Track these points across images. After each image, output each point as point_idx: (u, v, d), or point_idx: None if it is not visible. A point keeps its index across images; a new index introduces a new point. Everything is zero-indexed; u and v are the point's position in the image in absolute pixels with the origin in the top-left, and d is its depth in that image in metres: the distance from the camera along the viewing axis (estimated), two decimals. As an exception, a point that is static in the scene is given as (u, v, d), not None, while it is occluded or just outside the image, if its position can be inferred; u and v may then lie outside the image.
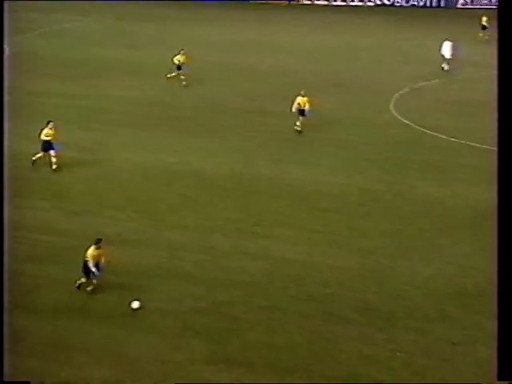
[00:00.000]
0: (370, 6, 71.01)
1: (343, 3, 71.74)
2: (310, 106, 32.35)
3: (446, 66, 44.96)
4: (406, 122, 35.26)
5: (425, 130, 33.82)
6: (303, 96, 32.46)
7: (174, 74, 41.35)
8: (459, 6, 70.25)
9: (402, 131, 34.01)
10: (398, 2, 70.84)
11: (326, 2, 71.98)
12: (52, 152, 27.99)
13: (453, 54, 44.53)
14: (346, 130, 33.51)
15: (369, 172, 28.79)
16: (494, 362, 16.74)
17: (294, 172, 28.61)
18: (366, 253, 22.30)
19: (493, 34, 51.74)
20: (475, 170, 28.93)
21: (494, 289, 19.73)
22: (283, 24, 62.27)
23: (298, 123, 32.60)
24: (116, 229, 23.54)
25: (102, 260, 19.46)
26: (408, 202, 26.03)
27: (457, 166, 29.60)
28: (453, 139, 32.55)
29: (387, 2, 71.06)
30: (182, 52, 41.17)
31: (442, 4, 70.36)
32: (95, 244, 19.42)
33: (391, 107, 37.72)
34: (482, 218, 24.50)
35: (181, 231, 23.66)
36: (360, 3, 71.40)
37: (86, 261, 19.32)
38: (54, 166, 28.01)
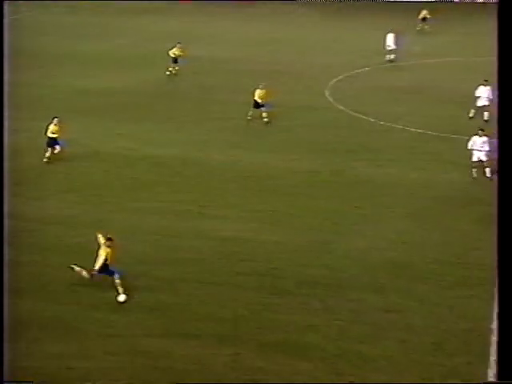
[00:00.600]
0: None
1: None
2: (268, 97, 32.23)
3: (389, 57, 44.77)
4: (340, 107, 35.51)
5: (358, 115, 34.12)
6: (262, 89, 32.34)
7: (170, 68, 40.79)
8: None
9: (337, 116, 34.27)
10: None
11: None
12: (57, 147, 27.39)
13: (395, 45, 44.33)
14: (288, 116, 33.52)
15: (309, 155, 28.96)
16: (422, 324, 17.33)
17: (243, 156, 28.62)
18: (307, 230, 22.50)
19: (433, 26, 52.41)
20: (405, 152, 29.38)
21: (424, 261, 20.37)
22: (226, 15, 62.04)
23: (263, 114, 32.50)
24: (73, 211, 23.40)
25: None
26: (345, 182, 26.29)
27: (388, 147, 29.94)
28: (383, 123, 32.91)
29: None
30: (178, 45, 40.84)
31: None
32: (105, 241, 18.48)
33: (327, 93, 37.94)
34: (413, 196, 24.93)
35: (134, 213, 23.55)
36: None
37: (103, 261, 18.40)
38: (45, 160, 27.46)
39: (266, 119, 32.50)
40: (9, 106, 30.69)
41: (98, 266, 18.33)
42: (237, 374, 15.72)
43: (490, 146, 25.63)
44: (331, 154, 28.98)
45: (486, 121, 31.88)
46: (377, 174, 26.94)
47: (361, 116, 33.91)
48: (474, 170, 26.12)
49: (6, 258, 19.65)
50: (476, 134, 26.31)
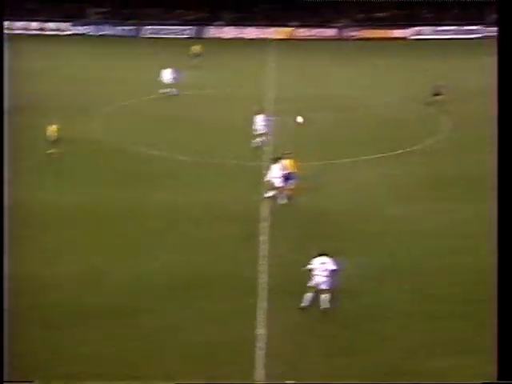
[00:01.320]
0: (67, 35, 69.94)
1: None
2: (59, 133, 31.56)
3: (165, 90, 44.33)
4: (111, 138, 35.16)
5: (128, 146, 33.91)
6: (52, 125, 31.75)
7: None
8: (147, 35, 70.33)
9: (108, 147, 33.69)
10: (89, 33, 70.36)
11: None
12: None
13: (171, 79, 44.23)
14: (60, 149, 32.13)
15: (80, 187, 28.53)
16: (197, 340, 17.64)
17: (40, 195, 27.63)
18: (81, 261, 22.11)
19: (203, 61, 53.29)
20: (173, 178, 29.57)
21: (197, 280, 20.80)
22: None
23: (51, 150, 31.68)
24: None
25: None
26: (115, 212, 26.01)
27: (156, 176, 29.96)
28: (156, 152, 32.97)
29: (80, 32, 70.22)
30: None
31: (133, 34, 70.32)
32: None
33: (98, 125, 37.44)
34: (184, 219, 25.41)
35: None
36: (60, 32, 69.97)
37: None
38: None
39: (54, 155, 31.68)
40: None
41: None
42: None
43: (283, 172, 26.16)
44: (102, 186, 28.58)
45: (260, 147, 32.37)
46: (146, 203, 26.87)
47: (131, 147, 33.73)
48: (270, 193, 26.42)
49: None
50: (273, 163, 26.66)
